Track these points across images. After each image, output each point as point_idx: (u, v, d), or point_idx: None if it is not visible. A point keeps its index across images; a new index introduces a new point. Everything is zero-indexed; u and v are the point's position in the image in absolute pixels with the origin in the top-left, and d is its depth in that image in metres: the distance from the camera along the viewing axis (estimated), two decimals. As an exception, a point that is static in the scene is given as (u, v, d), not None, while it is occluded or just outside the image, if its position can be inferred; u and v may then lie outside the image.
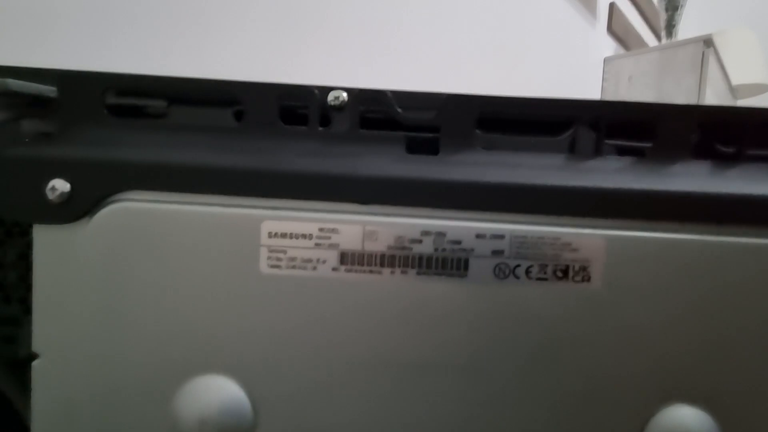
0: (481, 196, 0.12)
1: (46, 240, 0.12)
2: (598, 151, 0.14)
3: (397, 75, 0.71)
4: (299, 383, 0.12)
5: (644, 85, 1.25)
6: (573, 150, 0.14)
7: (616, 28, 1.37)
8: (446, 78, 0.80)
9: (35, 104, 0.14)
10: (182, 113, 0.15)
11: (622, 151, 0.14)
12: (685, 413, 0.12)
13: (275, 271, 0.12)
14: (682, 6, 1.24)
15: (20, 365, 0.14)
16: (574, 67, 1.23)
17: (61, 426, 0.13)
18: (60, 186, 0.12)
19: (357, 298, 0.12)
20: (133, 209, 0.12)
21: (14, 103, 0.14)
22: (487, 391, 0.12)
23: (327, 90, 0.14)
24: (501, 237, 0.12)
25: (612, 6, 1.35)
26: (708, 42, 1.14)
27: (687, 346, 0.12)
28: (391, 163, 0.13)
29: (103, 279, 0.12)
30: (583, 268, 0.12)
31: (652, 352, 0.12)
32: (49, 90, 0.14)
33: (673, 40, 1.34)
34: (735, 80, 1.63)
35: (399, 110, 0.14)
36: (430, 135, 0.14)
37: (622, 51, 1.46)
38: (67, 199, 0.12)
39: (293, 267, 0.12)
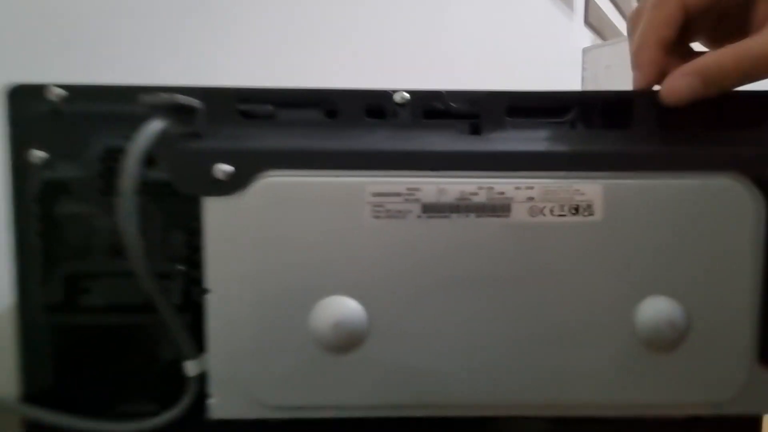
0: (515, 160, 0.18)
1: (214, 208, 0.17)
2: (591, 127, 0.20)
3: (387, 68, 0.76)
4: (397, 298, 0.18)
5: (620, 73, 1.33)
6: (574, 126, 0.20)
7: (593, 19, 1.44)
8: (435, 68, 0.85)
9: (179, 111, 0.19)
10: (285, 114, 0.20)
11: (609, 126, 0.20)
12: (660, 301, 0.18)
13: (377, 220, 0.17)
14: (652, -3, 1.31)
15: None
16: (554, 58, 1.30)
17: (228, 339, 0.18)
18: (224, 169, 0.17)
19: (435, 236, 0.17)
20: (275, 182, 0.17)
21: (171, 111, 0.18)
22: (528, 295, 0.18)
23: (392, 92, 0.20)
24: (531, 188, 0.17)
25: (587, -2, 1.42)
26: (677, 30, 1.22)
27: (661, 254, 0.18)
28: (449, 142, 0.19)
29: (256, 232, 0.17)
30: (588, 206, 0.18)
31: (637, 260, 0.18)
32: (194, 101, 0.19)
33: (646, 29, 1.42)
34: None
35: (452, 104, 0.19)
36: (473, 120, 0.19)
37: (599, 41, 1.54)
38: (230, 177, 0.17)
39: (389, 216, 0.17)
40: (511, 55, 1.10)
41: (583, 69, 1.43)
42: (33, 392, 0.20)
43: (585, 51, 1.43)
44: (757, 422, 0.21)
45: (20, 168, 0.19)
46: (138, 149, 0.16)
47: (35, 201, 0.19)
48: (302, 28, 0.58)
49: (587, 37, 1.48)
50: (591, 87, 1.42)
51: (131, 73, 0.40)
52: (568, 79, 1.40)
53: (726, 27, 0.20)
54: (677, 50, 0.19)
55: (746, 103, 0.20)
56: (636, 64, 0.19)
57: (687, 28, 0.19)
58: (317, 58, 0.60)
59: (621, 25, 1.70)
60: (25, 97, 0.19)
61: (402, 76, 0.76)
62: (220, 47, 0.48)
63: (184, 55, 0.45)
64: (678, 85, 0.18)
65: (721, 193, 0.18)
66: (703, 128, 0.19)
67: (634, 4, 1.11)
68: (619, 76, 1.35)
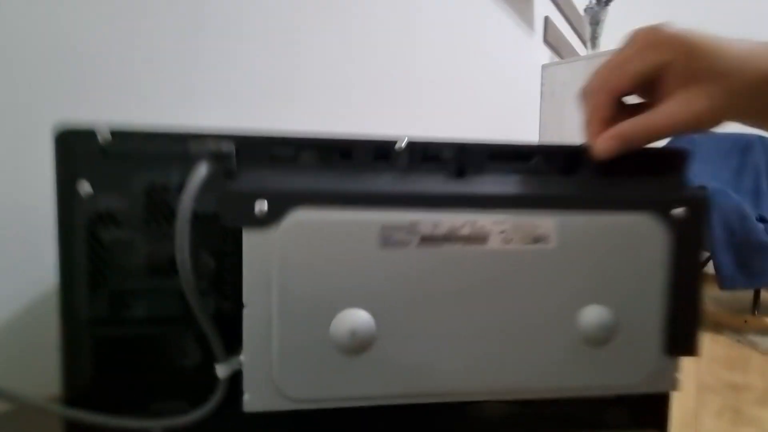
0: (492, 201, 0.23)
1: (252, 238, 0.21)
2: (549, 171, 0.25)
3: (367, 87, 0.81)
4: (400, 311, 0.22)
5: (574, 89, 1.44)
6: (537, 169, 0.25)
7: (551, 38, 1.56)
8: (407, 88, 0.91)
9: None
10: (307, 156, 0.24)
11: (562, 171, 0.25)
12: (596, 308, 0.23)
13: (384, 249, 0.22)
14: (602, 21, 1.44)
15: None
16: (517, 74, 1.40)
17: (260, 345, 0.21)
18: (262, 206, 0.21)
19: (430, 261, 0.22)
20: (303, 217, 0.21)
21: (212, 155, 0.22)
22: (500, 305, 0.23)
23: (395, 140, 0.24)
24: (504, 223, 0.23)
25: (546, 19, 1.53)
26: (624, 54, 1.34)
27: (597, 273, 0.23)
28: (440, 184, 0.23)
29: (286, 258, 0.21)
30: (546, 237, 0.23)
31: (580, 277, 0.23)
32: (229, 146, 0.22)
33: (597, 50, 1.55)
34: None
35: (443, 152, 0.24)
36: (459, 165, 0.24)
37: (556, 59, 1.66)
38: (265, 214, 0.21)
39: (394, 245, 0.22)
40: (478, 72, 1.17)
41: (542, 84, 1.54)
42: (74, 396, 0.23)
43: (544, 67, 1.54)
44: (665, 398, 0.27)
45: (69, 199, 0.22)
46: (192, 189, 0.20)
47: (84, 228, 0.22)
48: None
49: (546, 55, 1.60)
50: (549, 101, 1.53)
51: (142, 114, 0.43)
52: (529, 93, 1.50)
53: (645, 95, 0.26)
54: (617, 112, 0.25)
55: (661, 158, 0.26)
56: (586, 134, 0.25)
57: (621, 100, 0.25)
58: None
59: (576, 44, 1.83)
60: (72, 138, 0.22)
61: (378, 95, 0.81)
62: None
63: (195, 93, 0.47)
64: (605, 144, 0.24)
65: (640, 226, 0.24)
66: (630, 177, 0.25)
67: (587, 27, 1.21)
68: (573, 92, 1.47)
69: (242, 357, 0.22)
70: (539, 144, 0.25)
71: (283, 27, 0.62)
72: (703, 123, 0.22)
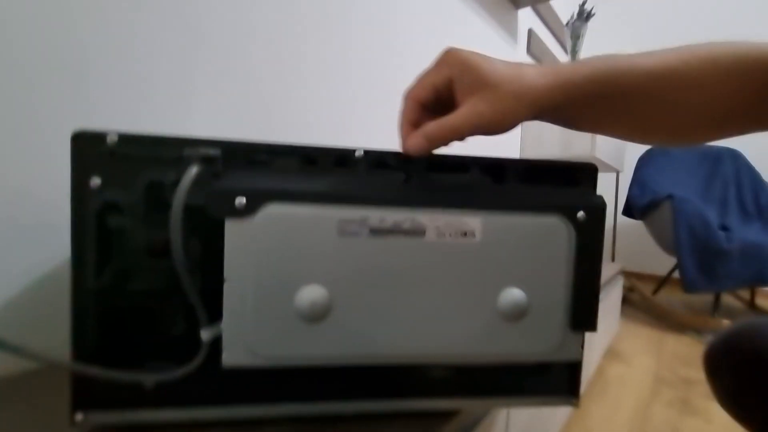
0: (430, 201, 0.28)
1: (232, 226, 0.26)
2: (478, 180, 0.31)
3: (359, 97, 0.86)
4: (351, 288, 0.27)
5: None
6: (469, 180, 0.30)
7: (534, 50, 1.63)
8: (390, 99, 0.96)
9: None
10: (279, 161, 0.29)
11: (489, 179, 0.31)
12: (513, 290, 0.29)
13: (340, 237, 0.27)
14: (583, 35, 1.51)
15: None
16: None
17: (237, 313, 0.27)
18: (241, 201, 0.26)
19: (377, 248, 0.27)
20: (274, 211, 0.26)
21: (201, 158, 0.27)
22: (434, 286, 0.28)
23: (354, 150, 0.29)
24: (438, 219, 0.28)
25: (530, 32, 1.60)
26: (600, 67, 1.41)
27: (514, 262, 0.29)
28: (389, 186, 0.29)
29: (260, 242, 0.26)
30: (473, 232, 0.28)
31: (500, 265, 0.29)
32: (216, 151, 0.27)
33: (576, 63, 1.62)
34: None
35: (392, 162, 0.29)
36: (405, 172, 0.30)
37: (539, 69, 1.73)
38: (244, 207, 0.26)
39: (348, 235, 0.27)
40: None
41: (525, 93, 1.61)
42: (82, 354, 0.28)
43: (526, 77, 1.61)
44: (576, 369, 0.33)
45: (81, 191, 0.27)
46: (184, 185, 0.25)
47: (93, 216, 0.27)
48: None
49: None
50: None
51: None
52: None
53: (445, 104, 0.30)
54: (425, 117, 0.30)
55: (575, 171, 0.32)
56: (399, 135, 0.31)
57: (425, 107, 0.31)
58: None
59: (561, 55, 1.91)
60: (86, 140, 0.27)
61: (362, 108, 0.86)
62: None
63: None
64: (413, 141, 0.29)
65: (550, 226, 0.29)
66: (550, 186, 0.31)
67: (568, 42, 1.28)
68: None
69: (222, 323, 0.27)
70: (474, 156, 0.31)
71: (276, 39, 0.67)
72: (490, 122, 0.28)
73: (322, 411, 0.31)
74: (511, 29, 1.49)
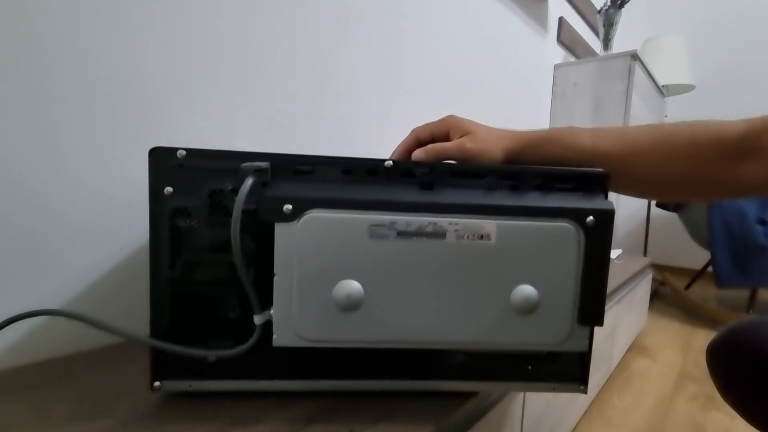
0: (450, 208, 0.32)
1: (281, 229, 0.31)
2: (495, 188, 0.34)
3: (382, 86, 0.89)
4: (381, 283, 0.32)
5: (585, 90, 1.49)
6: (486, 187, 0.34)
7: (565, 38, 1.59)
8: (422, 83, 0.98)
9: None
10: (320, 171, 0.33)
11: (505, 187, 0.34)
12: (525, 287, 0.32)
13: (371, 239, 0.31)
14: (616, 23, 1.47)
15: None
16: (528, 73, 1.45)
17: (285, 302, 0.31)
18: (288, 207, 0.30)
19: (404, 249, 0.32)
20: (315, 216, 0.31)
21: (255, 170, 0.31)
22: (454, 283, 0.32)
23: (383, 160, 0.33)
24: (458, 224, 0.32)
25: (561, 19, 1.57)
26: (635, 56, 1.38)
27: (527, 262, 0.32)
28: (414, 194, 0.33)
29: (304, 243, 0.31)
30: (489, 235, 0.32)
31: (513, 265, 0.32)
32: (265, 164, 0.32)
33: (609, 52, 1.58)
34: (663, 81, 1.90)
35: (417, 170, 0.33)
36: (429, 180, 0.33)
37: (571, 58, 1.69)
38: (291, 212, 0.31)
39: (378, 237, 0.31)
40: (489, 73, 1.24)
41: (554, 84, 1.59)
42: (158, 332, 0.33)
43: (556, 67, 1.58)
44: (585, 358, 0.36)
45: (157, 197, 0.32)
46: (243, 194, 0.30)
47: (167, 218, 0.32)
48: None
49: (559, 54, 1.63)
50: (559, 101, 1.58)
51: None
52: (540, 93, 1.55)
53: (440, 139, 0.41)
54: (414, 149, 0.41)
55: (587, 179, 0.34)
56: (392, 153, 0.44)
57: (421, 142, 0.42)
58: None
59: (594, 42, 1.85)
60: (160, 155, 0.32)
61: (393, 92, 0.89)
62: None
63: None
64: (418, 154, 0.39)
65: (562, 230, 0.32)
66: (562, 192, 0.34)
67: (600, 29, 1.26)
68: (584, 92, 1.51)
69: (272, 310, 0.32)
70: (492, 166, 0.34)
71: (305, 51, 0.71)
72: (470, 152, 0.37)
73: (354, 387, 0.35)
74: (540, 18, 1.46)
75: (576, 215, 0.32)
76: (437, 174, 0.33)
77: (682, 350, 1.25)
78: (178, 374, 0.34)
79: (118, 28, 0.49)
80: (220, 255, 0.33)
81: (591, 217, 0.32)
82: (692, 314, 1.60)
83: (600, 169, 0.34)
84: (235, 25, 0.61)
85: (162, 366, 0.34)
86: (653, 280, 1.49)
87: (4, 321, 0.32)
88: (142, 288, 0.51)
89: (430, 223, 0.32)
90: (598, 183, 0.35)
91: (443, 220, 0.32)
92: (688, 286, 1.88)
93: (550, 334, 0.34)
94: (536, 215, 0.32)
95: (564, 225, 0.32)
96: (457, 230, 0.32)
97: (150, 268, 0.33)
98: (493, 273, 0.32)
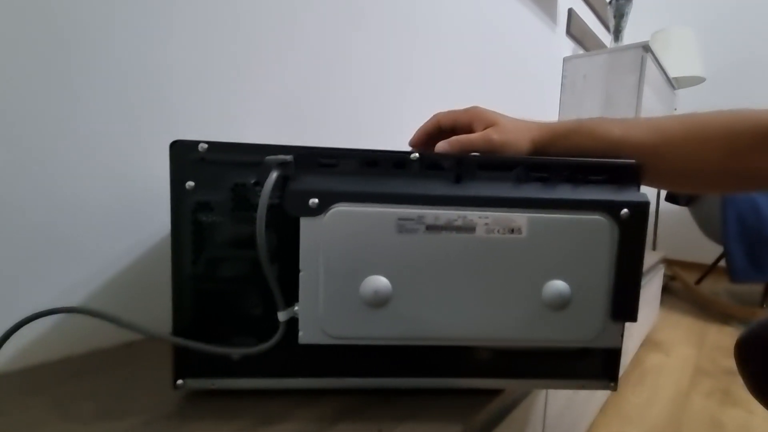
0: (479, 201, 0.31)
1: (307, 223, 0.30)
2: (525, 180, 0.33)
3: (395, 80, 0.88)
4: (410, 278, 0.31)
5: (595, 82, 1.47)
6: (515, 180, 0.33)
7: (574, 30, 1.57)
8: (436, 81, 0.97)
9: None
10: (344, 164, 0.32)
11: (535, 179, 0.33)
12: (557, 282, 0.31)
13: (399, 234, 0.30)
14: (627, 14, 1.44)
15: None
16: (537, 66, 1.43)
17: (311, 298, 0.31)
18: (314, 201, 0.30)
19: (433, 244, 0.31)
20: (342, 210, 0.30)
21: (279, 163, 0.31)
22: (484, 277, 0.31)
23: (410, 152, 0.32)
24: (487, 217, 0.31)
25: (570, 11, 1.54)
26: (646, 47, 1.36)
27: (559, 256, 0.31)
28: (442, 187, 0.32)
29: (330, 238, 0.30)
30: (519, 229, 0.31)
31: (545, 259, 0.31)
32: (289, 157, 0.31)
33: (620, 44, 1.55)
34: (673, 73, 1.88)
35: (444, 162, 0.32)
36: (457, 173, 0.32)
37: (580, 50, 1.67)
38: (317, 206, 0.30)
39: (407, 231, 0.30)
40: (500, 64, 1.22)
41: (563, 77, 1.57)
42: (180, 329, 0.33)
43: (566, 60, 1.56)
44: (616, 355, 0.35)
45: (179, 192, 0.32)
46: (268, 188, 0.29)
47: (189, 213, 0.32)
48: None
49: (569, 47, 1.61)
50: (569, 94, 1.56)
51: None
52: (549, 85, 1.53)
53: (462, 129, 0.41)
54: (434, 135, 0.42)
55: (619, 171, 0.33)
56: (412, 142, 0.44)
57: (439, 130, 0.42)
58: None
59: (602, 35, 1.83)
60: (181, 148, 0.31)
61: (404, 85, 0.88)
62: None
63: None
64: (442, 146, 0.38)
65: (596, 223, 0.31)
66: (594, 185, 0.33)
67: (611, 21, 1.24)
68: (594, 85, 1.49)
69: (298, 306, 0.31)
70: (521, 157, 0.33)
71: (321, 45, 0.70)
72: (495, 144, 0.37)
73: (381, 385, 0.35)
74: (550, 9, 1.44)
75: (610, 208, 0.31)
76: (465, 166, 0.32)
77: (695, 345, 1.24)
78: (200, 372, 0.34)
79: (136, 22, 0.48)
80: (243, 250, 0.32)
81: (626, 210, 0.31)
82: (704, 309, 1.58)
83: (633, 161, 0.33)
84: (250, 18, 0.60)
85: (185, 364, 0.33)
86: (663, 275, 1.48)
87: (27, 317, 0.31)
88: (158, 284, 0.50)
89: (459, 216, 0.31)
90: (630, 175, 0.33)
91: (473, 214, 0.31)
92: (699, 281, 1.86)
93: (582, 330, 0.33)
94: (568, 208, 0.31)
95: (597, 218, 0.31)
96: (487, 224, 0.31)
97: (172, 265, 0.32)
98: (524, 268, 0.31)
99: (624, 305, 0.32)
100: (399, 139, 0.87)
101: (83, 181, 0.45)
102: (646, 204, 0.32)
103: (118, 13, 0.47)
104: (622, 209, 0.31)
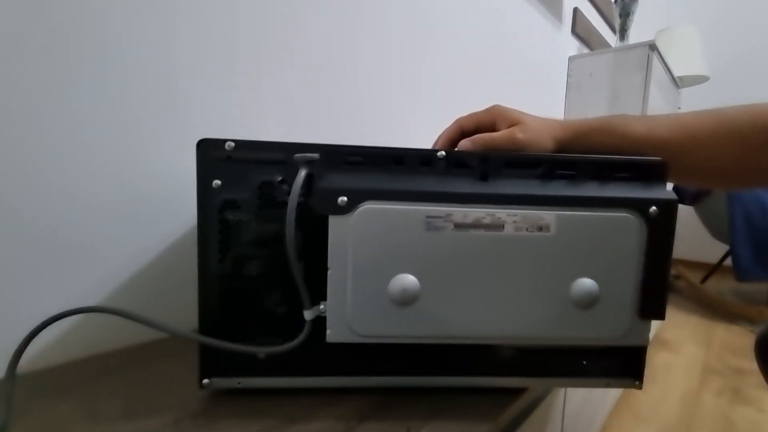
0: (507, 199, 0.31)
1: (335, 222, 0.30)
2: (551, 177, 0.33)
3: (406, 77, 0.88)
4: (438, 276, 0.31)
5: (601, 81, 1.46)
6: (541, 177, 0.33)
7: (580, 29, 1.57)
8: (443, 80, 0.97)
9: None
10: (371, 162, 0.32)
11: (561, 177, 0.33)
12: (585, 280, 0.31)
13: (428, 232, 0.30)
14: (633, 13, 1.44)
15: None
16: (542, 66, 1.43)
17: (339, 296, 0.31)
18: (343, 200, 0.30)
19: (461, 241, 0.30)
20: (371, 208, 0.30)
21: (306, 161, 0.31)
22: (512, 275, 0.31)
23: (436, 150, 0.32)
24: (516, 215, 0.31)
25: (575, 10, 1.54)
26: (652, 46, 1.35)
27: (587, 254, 0.31)
28: (469, 185, 0.32)
29: (359, 236, 0.30)
30: (548, 226, 0.31)
31: (573, 257, 0.31)
32: (316, 156, 0.31)
33: (625, 43, 1.55)
34: (677, 72, 1.87)
35: (470, 161, 0.32)
36: (483, 171, 0.32)
37: (585, 50, 1.67)
38: (345, 205, 0.30)
39: (435, 229, 0.30)
40: (505, 63, 1.22)
41: (569, 76, 1.57)
42: (206, 328, 0.33)
43: (571, 59, 1.56)
44: (641, 354, 0.35)
45: (205, 190, 0.31)
46: (297, 186, 0.29)
47: (215, 211, 0.32)
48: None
49: (574, 46, 1.61)
50: (574, 93, 1.56)
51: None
52: (555, 85, 1.53)
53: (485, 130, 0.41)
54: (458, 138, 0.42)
55: (645, 168, 0.33)
56: (435, 142, 0.44)
57: (462, 133, 0.42)
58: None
59: (608, 34, 1.82)
60: (208, 147, 0.31)
61: (412, 85, 0.88)
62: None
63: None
64: (465, 145, 0.38)
65: (622, 221, 0.31)
66: (621, 182, 0.32)
67: (617, 20, 1.24)
68: (600, 83, 1.49)
69: (324, 305, 0.31)
70: (548, 155, 0.33)
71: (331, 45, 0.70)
72: (520, 143, 0.37)
73: (406, 383, 0.35)
74: (555, 9, 1.44)
75: (639, 205, 0.31)
76: (492, 164, 0.32)
77: (703, 344, 1.24)
78: (226, 371, 0.34)
79: (143, 19, 0.48)
80: (269, 249, 0.32)
81: (654, 208, 0.31)
82: (709, 308, 1.58)
83: (659, 158, 0.33)
84: (259, 17, 0.60)
85: (211, 363, 0.33)
86: (671, 273, 1.47)
87: (52, 317, 0.31)
88: (178, 282, 0.50)
89: (487, 214, 0.31)
90: (657, 172, 0.33)
91: (501, 212, 0.31)
92: (704, 280, 1.86)
93: (610, 328, 0.32)
94: (597, 206, 0.31)
95: (626, 215, 0.31)
96: (515, 222, 0.31)
97: (198, 263, 0.32)
98: (552, 266, 0.31)
99: (652, 303, 0.32)
100: (408, 139, 0.87)
101: (98, 181, 0.45)
102: (675, 201, 0.31)
103: (119, 13, 0.47)
104: (650, 207, 0.31)
